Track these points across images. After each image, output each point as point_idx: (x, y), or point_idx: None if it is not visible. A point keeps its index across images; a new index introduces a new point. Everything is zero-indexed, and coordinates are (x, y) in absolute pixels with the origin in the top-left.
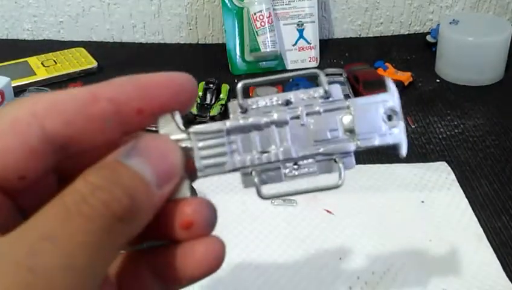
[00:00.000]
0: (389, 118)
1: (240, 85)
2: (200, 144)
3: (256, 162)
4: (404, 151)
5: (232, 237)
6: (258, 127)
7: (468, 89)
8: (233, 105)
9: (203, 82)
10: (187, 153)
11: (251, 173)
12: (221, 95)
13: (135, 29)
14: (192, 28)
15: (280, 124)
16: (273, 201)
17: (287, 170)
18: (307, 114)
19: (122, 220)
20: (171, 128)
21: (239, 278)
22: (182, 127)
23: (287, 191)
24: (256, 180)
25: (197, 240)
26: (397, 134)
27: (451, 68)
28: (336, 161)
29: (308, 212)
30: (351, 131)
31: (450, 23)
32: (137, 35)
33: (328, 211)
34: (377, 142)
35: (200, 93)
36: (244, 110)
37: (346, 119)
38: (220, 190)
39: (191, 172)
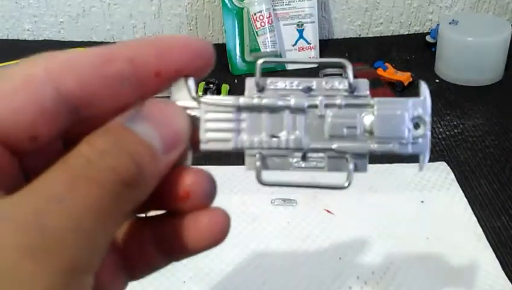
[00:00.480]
0: (416, 126)
1: (259, 62)
2: (208, 116)
3: (263, 145)
4: (424, 164)
5: (232, 237)
6: (271, 110)
7: (467, 89)
8: (250, 82)
9: (203, 82)
10: (194, 122)
11: (255, 155)
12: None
13: (135, 30)
14: (192, 29)
15: (296, 110)
16: (273, 201)
17: (294, 160)
18: (326, 105)
19: (129, 186)
20: (182, 95)
21: (239, 278)
22: (194, 95)
23: (288, 181)
24: (258, 163)
25: (201, 212)
26: (420, 145)
27: (451, 68)
28: (347, 161)
29: (308, 212)
30: (370, 132)
31: (450, 23)
32: (137, 35)
33: (328, 211)
34: (396, 149)
35: (201, 94)
36: (261, 89)
37: (368, 119)
38: (220, 190)
39: (194, 143)
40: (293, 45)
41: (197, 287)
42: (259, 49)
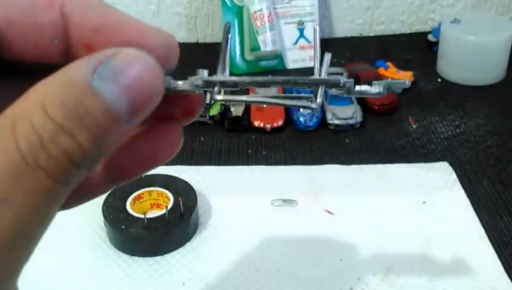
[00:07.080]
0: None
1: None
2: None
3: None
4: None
5: (232, 238)
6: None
7: (469, 88)
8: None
9: None
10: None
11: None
12: None
13: None
14: (191, 27)
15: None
16: (273, 201)
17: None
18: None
19: (79, 167)
20: None
21: (238, 280)
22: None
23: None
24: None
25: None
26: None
27: (453, 68)
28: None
29: (308, 213)
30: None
31: (452, 22)
32: None
33: (328, 212)
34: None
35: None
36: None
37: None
38: (220, 191)
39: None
40: (294, 44)
41: (196, 288)
42: (259, 48)
